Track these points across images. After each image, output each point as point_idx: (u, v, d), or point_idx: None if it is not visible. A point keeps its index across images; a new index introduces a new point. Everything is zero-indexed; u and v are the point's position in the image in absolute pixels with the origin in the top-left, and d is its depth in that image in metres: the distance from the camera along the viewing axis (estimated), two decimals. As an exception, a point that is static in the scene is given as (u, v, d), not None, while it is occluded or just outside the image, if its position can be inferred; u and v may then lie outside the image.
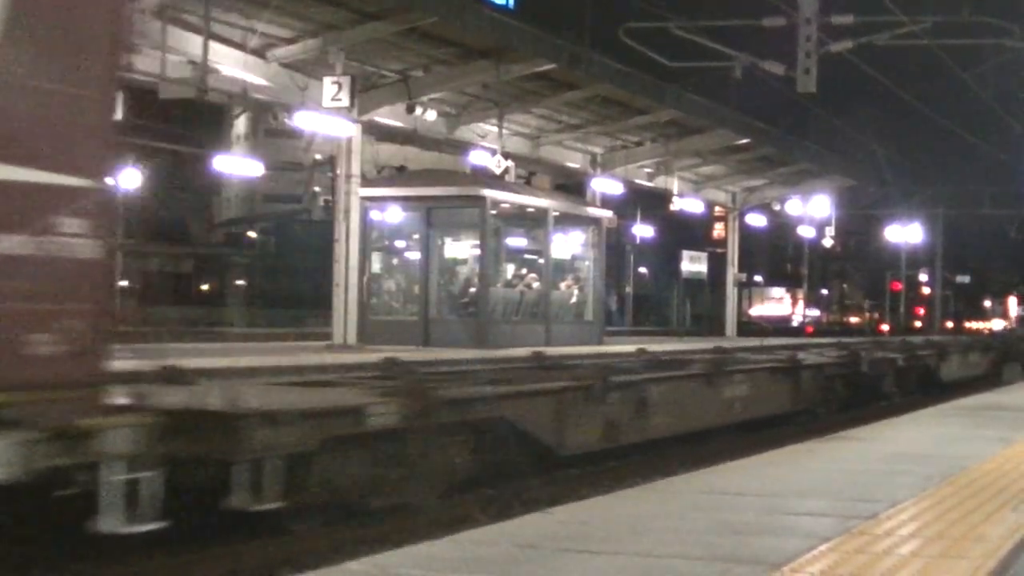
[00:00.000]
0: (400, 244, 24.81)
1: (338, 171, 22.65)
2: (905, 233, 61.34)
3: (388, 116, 23.39)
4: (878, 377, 22.64)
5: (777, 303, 73.97)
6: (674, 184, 33.96)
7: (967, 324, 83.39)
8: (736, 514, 6.16)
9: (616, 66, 25.61)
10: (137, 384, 8.26)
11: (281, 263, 66.15)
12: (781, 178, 39.15)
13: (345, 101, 20.29)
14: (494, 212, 23.10)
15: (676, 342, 29.21)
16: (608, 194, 31.55)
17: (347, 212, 22.07)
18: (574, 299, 26.20)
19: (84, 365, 6.60)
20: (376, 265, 23.97)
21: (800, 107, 33.52)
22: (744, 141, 32.64)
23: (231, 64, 20.36)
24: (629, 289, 63.77)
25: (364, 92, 21.73)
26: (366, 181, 23.09)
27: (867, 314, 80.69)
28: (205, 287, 68.02)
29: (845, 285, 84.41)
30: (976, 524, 6.00)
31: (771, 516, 6.16)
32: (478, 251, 23.07)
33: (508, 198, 23.86)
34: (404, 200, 23.31)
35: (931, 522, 6.03)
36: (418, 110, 23.30)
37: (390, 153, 30.13)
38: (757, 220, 42.23)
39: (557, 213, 24.97)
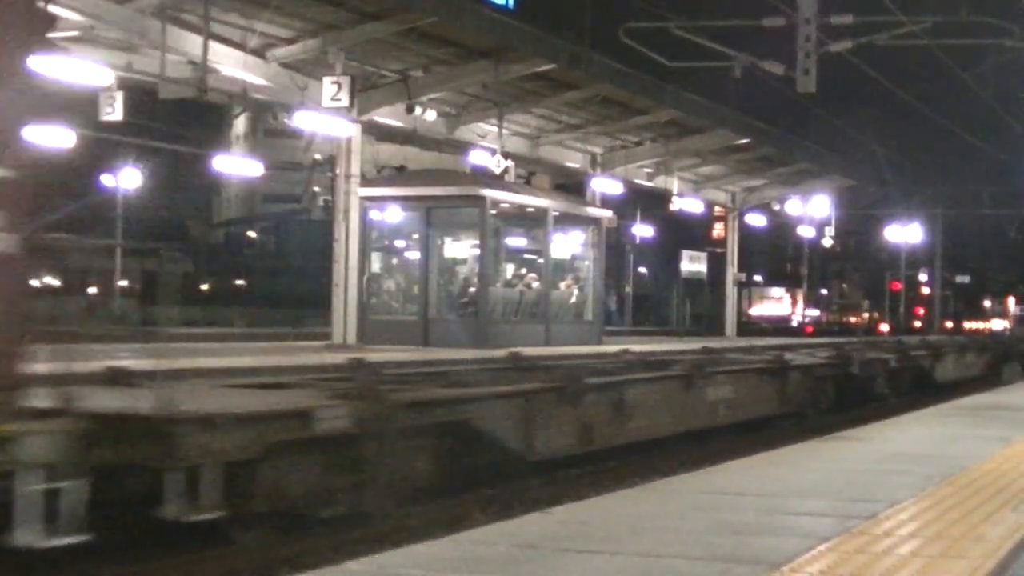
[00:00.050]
0: (400, 244, 24.81)
1: (338, 171, 22.65)
2: (905, 233, 61.36)
3: (388, 116, 23.39)
4: (870, 378, 22.30)
5: (777, 303, 73.98)
6: (674, 184, 33.96)
7: (967, 324, 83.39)
8: (736, 514, 6.16)
9: (616, 66, 25.61)
10: (67, 386, 7.86)
11: (281, 263, 66.15)
12: (781, 178, 39.14)
13: (345, 101, 20.29)
14: (494, 212, 23.09)
15: (675, 342, 29.21)
16: (608, 194, 31.55)
17: (347, 212, 22.07)
18: (574, 299, 26.19)
19: None
20: (376, 265, 23.96)
21: (800, 107, 33.52)
22: (744, 141, 32.64)
23: (231, 64, 20.36)
24: (629, 289, 63.82)
25: (364, 92, 21.74)
26: (366, 181, 23.09)
27: (867, 314, 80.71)
28: (204, 287, 67.98)
29: (845, 285, 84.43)
30: (976, 524, 6.00)
31: (771, 516, 6.16)
32: (478, 251, 23.07)
33: (508, 198, 23.86)
34: (404, 200, 23.30)
35: (931, 522, 6.03)
36: (418, 110, 23.30)
37: (390, 153, 30.13)
38: (757, 220, 42.24)
39: (557, 213, 24.97)
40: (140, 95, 21.14)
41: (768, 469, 8.10)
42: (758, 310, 71.02)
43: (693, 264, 43.64)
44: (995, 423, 11.74)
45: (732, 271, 40.17)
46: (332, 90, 20.24)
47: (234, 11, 19.73)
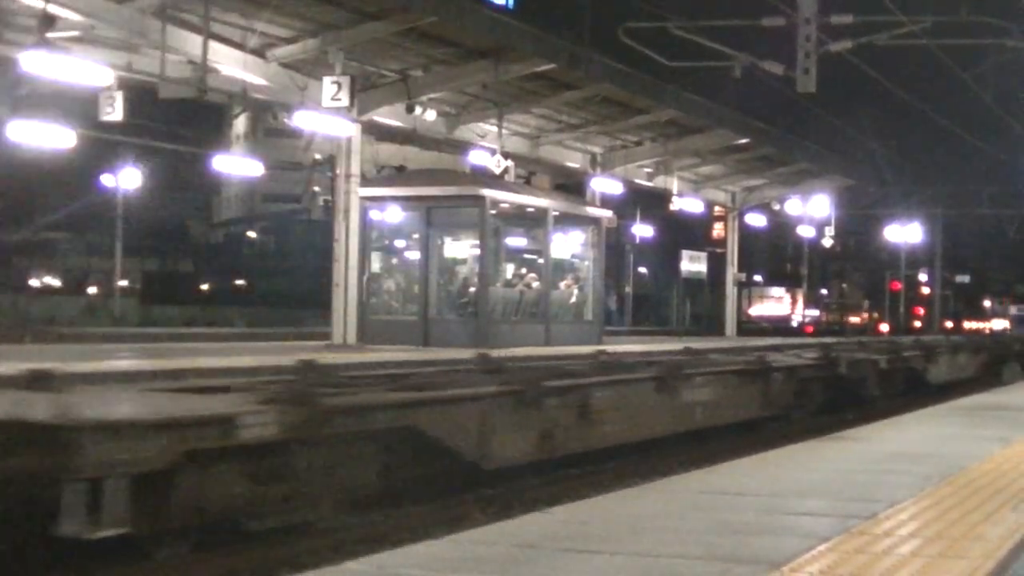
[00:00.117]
0: (400, 244, 24.81)
1: (338, 171, 22.66)
2: (904, 233, 61.37)
3: (388, 116, 23.40)
4: (858, 380, 21.61)
5: (777, 303, 73.96)
6: (674, 184, 33.98)
7: (967, 324, 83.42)
8: (736, 514, 6.16)
9: (616, 66, 25.62)
10: None
11: (281, 263, 66.22)
12: (780, 178, 39.16)
13: (344, 101, 20.29)
14: (494, 212, 23.09)
15: (670, 342, 29.17)
16: (608, 194, 31.56)
17: (347, 212, 22.08)
18: (574, 299, 26.19)
19: None
20: (376, 265, 23.96)
21: (800, 107, 33.52)
22: (744, 141, 32.65)
23: (231, 64, 20.37)
24: (629, 289, 63.85)
25: (363, 92, 21.74)
26: (366, 181, 23.10)
27: (867, 314, 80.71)
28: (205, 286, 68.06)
29: (845, 285, 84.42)
30: (975, 524, 6.00)
31: (771, 516, 6.17)
32: (478, 251, 23.06)
33: (508, 198, 23.86)
34: (404, 200, 23.31)
35: (930, 522, 6.03)
36: (418, 110, 23.31)
37: (390, 153, 30.16)
38: (757, 220, 42.25)
39: (557, 213, 24.97)
40: (140, 95, 21.14)
41: (768, 469, 8.11)
42: (758, 310, 71.00)
43: (693, 264, 43.58)
44: (994, 423, 11.74)
45: (732, 271, 40.18)
46: (332, 90, 20.25)
47: (234, 11, 19.73)
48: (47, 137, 21.00)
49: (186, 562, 8.54)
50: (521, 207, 24.63)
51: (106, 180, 52.00)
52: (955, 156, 59.34)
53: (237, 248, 75.09)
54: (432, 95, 23.60)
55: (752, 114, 32.54)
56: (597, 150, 31.12)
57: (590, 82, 25.14)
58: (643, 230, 55.37)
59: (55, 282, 67.48)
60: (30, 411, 7.69)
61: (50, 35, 17.34)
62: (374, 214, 23.28)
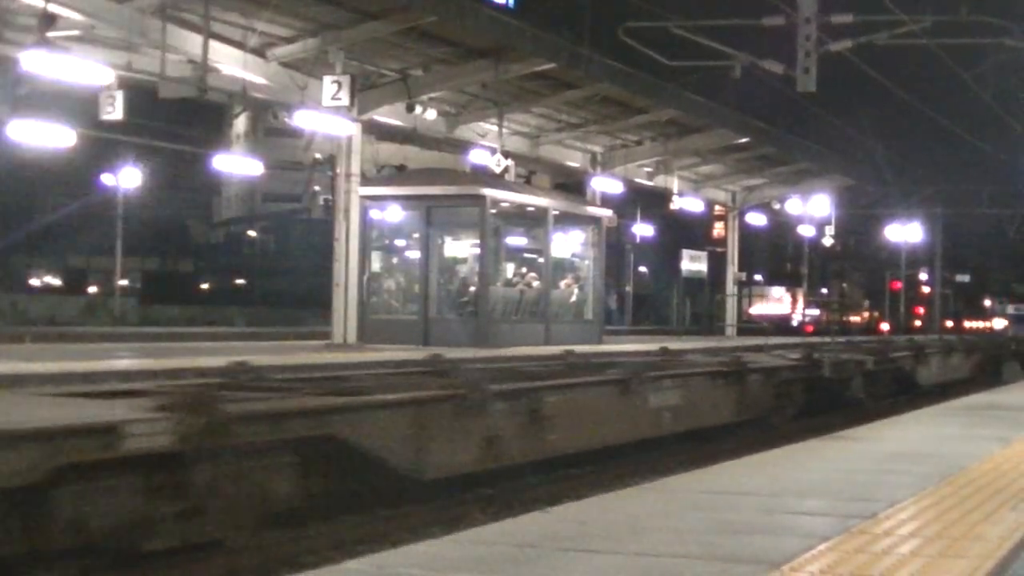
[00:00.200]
0: (400, 243, 24.82)
1: (338, 170, 22.67)
2: (905, 232, 61.36)
3: (388, 115, 23.42)
4: (843, 382, 20.59)
5: (777, 302, 73.95)
6: (674, 183, 33.99)
7: (967, 323, 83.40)
8: (736, 514, 6.16)
9: (616, 65, 25.64)
10: None
11: (281, 262, 66.25)
12: (781, 177, 39.17)
13: (345, 100, 20.31)
14: (494, 211, 23.10)
15: (664, 341, 29.13)
16: (608, 193, 31.57)
17: (347, 211, 22.09)
18: (574, 298, 26.19)
19: None
20: (376, 264, 23.98)
21: (799, 106, 33.48)
22: (744, 140, 32.67)
23: (231, 63, 20.38)
24: (629, 288, 63.81)
25: (364, 91, 21.75)
26: (366, 180, 23.11)
27: (867, 313, 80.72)
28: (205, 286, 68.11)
29: (845, 284, 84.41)
30: (975, 524, 6.00)
31: (770, 515, 6.16)
32: (478, 250, 23.08)
33: (508, 197, 23.86)
34: (404, 199, 23.31)
35: (930, 521, 6.03)
36: (418, 109, 23.33)
37: (390, 152, 30.17)
38: (757, 219, 42.27)
39: (557, 212, 24.98)
40: (140, 94, 21.15)
41: (768, 469, 8.10)
42: (758, 309, 70.98)
43: (693, 263, 43.66)
44: (994, 423, 11.74)
45: (732, 270, 40.19)
46: (332, 89, 20.26)
47: (234, 10, 19.75)
48: (47, 136, 21.01)
49: (187, 561, 8.53)
50: (521, 206, 24.64)
51: (106, 180, 52.00)
52: (955, 156, 59.45)
53: (237, 248, 75.10)
54: (432, 94, 23.62)
55: (752, 114, 32.58)
56: (597, 149, 31.13)
57: (590, 81, 25.16)
58: (643, 229, 55.35)
59: (55, 281, 67.53)
60: None
61: (50, 34, 17.36)
62: (374, 213, 23.29)
